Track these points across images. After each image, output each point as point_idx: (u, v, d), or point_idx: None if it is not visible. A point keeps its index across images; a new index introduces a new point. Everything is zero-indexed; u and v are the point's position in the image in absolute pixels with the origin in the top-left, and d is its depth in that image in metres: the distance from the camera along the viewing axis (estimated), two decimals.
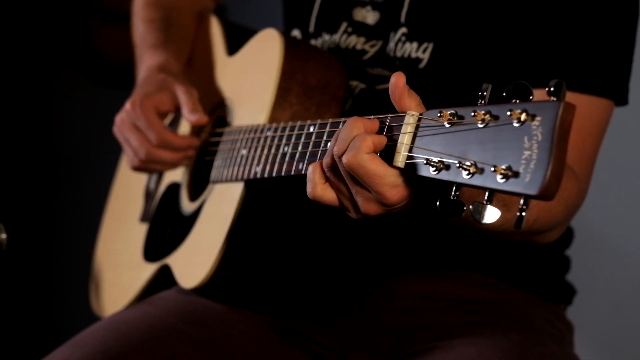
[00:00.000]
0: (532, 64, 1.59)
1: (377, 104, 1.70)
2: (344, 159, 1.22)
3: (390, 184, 1.22)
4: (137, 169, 1.77)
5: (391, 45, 1.70)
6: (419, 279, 1.71)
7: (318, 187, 1.30)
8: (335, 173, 1.27)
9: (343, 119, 1.35)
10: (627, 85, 1.63)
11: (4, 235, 1.47)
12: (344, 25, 1.77)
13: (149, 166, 1.76)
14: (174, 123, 1.91)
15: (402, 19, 1.69)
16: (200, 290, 1.67)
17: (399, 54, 1.69)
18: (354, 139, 1.23)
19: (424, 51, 1.66)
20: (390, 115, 1.25)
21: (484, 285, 1.71)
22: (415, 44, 1.67)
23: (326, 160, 1.28)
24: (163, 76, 1.78)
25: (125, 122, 1.74)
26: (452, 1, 1.66)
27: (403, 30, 1.69)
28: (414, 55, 1.67)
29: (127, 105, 1.74)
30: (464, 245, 1.70)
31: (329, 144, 1.32)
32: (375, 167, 1.22)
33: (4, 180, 3.47)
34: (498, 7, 1.63)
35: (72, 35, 3.43)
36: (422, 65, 1.66)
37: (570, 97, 1.54)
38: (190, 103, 1.72)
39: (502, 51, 1.62)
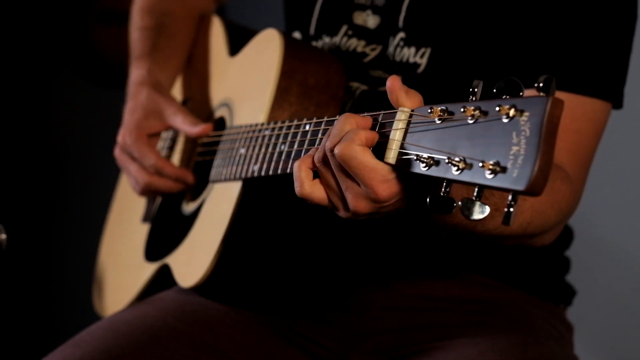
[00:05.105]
0: (529, 66, 1.59)
1: (379, 106, 1.70)
2: (337, 149, 1.23)
3: (380, 179, 1.22)
4: (142, 194, 1.83)
5: (390, 49, 1.70)
6: (419, 279, 1.71)
7: (306, 185, 1.29)
8: (326, 166, 1.27)
9: (338, 117, 1.35)
10: (623, 89, 1.63)
11: (3, 236, 1.47)
12: (344, 28, 1.77)
13: (150, 193, 1.83)
14: (174, 138, 1.91)
15: (400, 23, 1.69)
16: (199, 290, 1.67)
17: (398, 58, 1.69)
18: (347, 133, 1.24)
19: (422, 56, 1.67)
20: (382, 112, 1.25)
21: (484, 286, 1.72)
22: (413, 49, 1.68)
23: (318, 154, 1.28)
24: (145, 93, 1.82)
25: (122, 154, 1.83)
26: (448, 6, 1.66)
27: (401, 35, 1.69)
28: (412, 60, 1.67)
29: (119, 138, 1.82)
30: (465, 246, 1.70)
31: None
32: (367, 159, 1.22)
33: (4, 180, 3.47)
34: (495, 11, 1.63)
35: (71, 35, 3.43)
36: (420, 70, 1.67)
37: (568, 98, 1.54)
38: (187, 120, 1.76)
39: (499, 55, 1.62)
